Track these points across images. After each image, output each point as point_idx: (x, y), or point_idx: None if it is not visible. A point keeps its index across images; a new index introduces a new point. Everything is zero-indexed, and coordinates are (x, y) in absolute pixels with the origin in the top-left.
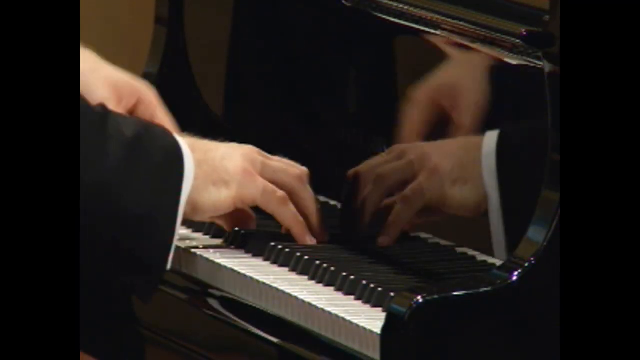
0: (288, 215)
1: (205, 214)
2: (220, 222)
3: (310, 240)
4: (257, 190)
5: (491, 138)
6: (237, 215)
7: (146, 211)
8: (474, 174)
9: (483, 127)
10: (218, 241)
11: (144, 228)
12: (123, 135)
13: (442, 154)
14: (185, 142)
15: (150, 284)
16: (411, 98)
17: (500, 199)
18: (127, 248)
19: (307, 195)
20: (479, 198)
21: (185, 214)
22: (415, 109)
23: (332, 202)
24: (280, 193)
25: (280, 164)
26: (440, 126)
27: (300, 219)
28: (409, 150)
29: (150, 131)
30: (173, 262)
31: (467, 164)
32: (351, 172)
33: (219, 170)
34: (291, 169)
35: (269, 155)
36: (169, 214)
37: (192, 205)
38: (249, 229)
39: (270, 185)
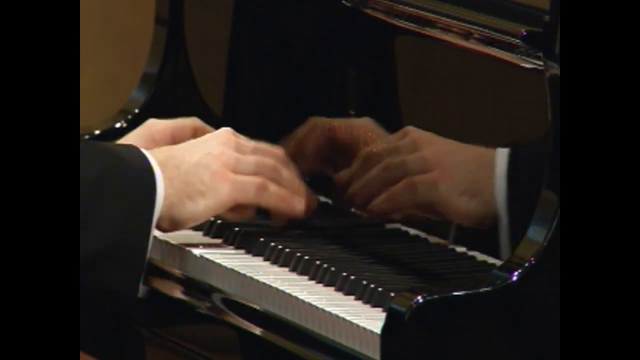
0: (268, 200)
1: (186, 227)
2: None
3: (300, 210)
4: (231, 189)
5: (503, 157)
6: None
7: (114, 245)
8: (484, 190)
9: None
10: (218, 241)
11: (113, 262)
12: (85, 178)
13: (456, 161)
14: (156, 160)
15: (123, 313)
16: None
17: (509, 221)
18: (96, 286)
19: (288, 174)
20: (487, 214)
21: (164, 230)
22: None
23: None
24: (255, 181)
25: (254, 156)
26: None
27: (283, 194)
28: (422, 142)
29: (118, 161)
30: (174, 262)
31: (479, 179)
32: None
33: (193, 182)
34: (266, 155)
35: (244, 141)
36: (139, 243)
37: (170, 222)
38: (249, 229)
39: (241, 180)
